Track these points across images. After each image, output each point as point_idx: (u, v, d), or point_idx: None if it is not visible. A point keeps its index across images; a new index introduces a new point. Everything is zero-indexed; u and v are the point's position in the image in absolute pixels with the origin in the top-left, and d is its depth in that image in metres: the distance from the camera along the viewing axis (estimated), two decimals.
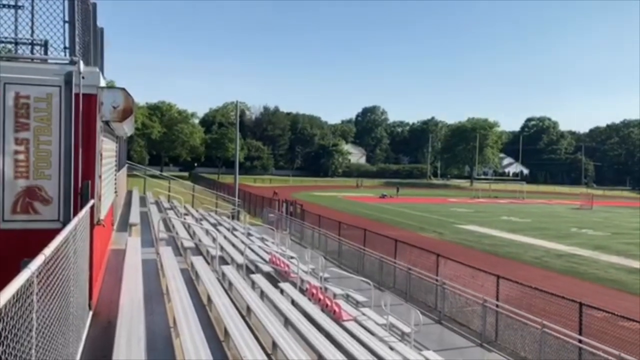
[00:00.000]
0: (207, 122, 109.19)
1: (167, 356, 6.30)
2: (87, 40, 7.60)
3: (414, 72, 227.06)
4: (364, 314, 12.41)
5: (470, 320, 14.71)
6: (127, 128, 10.99)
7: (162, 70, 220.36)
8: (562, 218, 51.51)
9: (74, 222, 4.60)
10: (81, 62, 6.44)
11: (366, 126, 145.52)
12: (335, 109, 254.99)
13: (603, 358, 10.33)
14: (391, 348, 9.73)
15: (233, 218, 31.32)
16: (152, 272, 10.35)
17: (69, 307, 4.35)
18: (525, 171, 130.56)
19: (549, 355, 11.77)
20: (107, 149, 9.40)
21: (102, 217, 7.98)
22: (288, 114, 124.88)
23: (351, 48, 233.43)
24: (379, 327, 11.37)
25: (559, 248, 31.21)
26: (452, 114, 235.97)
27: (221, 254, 15.31)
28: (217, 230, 19.67)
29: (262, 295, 11.30)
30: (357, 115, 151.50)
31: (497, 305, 13.68)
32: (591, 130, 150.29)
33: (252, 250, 17.90)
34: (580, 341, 11.19)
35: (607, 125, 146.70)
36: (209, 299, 9.06)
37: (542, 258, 27.76)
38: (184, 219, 20.29)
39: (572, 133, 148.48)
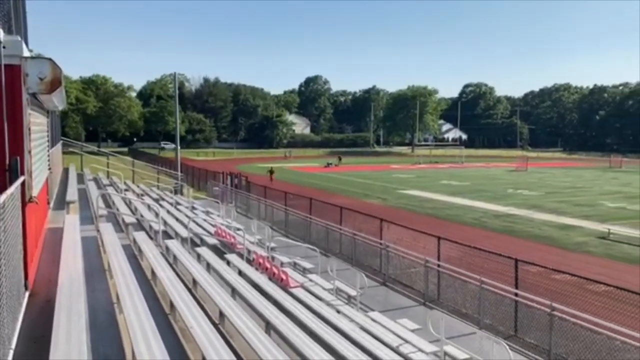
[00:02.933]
0: (145, 95, 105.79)
1: (111, 332, 6.20)
2: (7, 7, 7.13)
3: (354, 41, 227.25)
4: (311, 280, 12.58)
5: (414, 281, 15.20)
6: (57, 101, 10.47)
7: (96, 43, 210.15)
8: (499, 180, 53.59)
9: (2, 199, 4.38)
10: (0, 30, 6.05)
11: (309, 96, 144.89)
12: (278, 79, 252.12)
13: (536, 308, 10.94)
14: (338, 311, 9.94)
15: (176, 193, 30.77)
16: (93, 249, 10.07)
17: (1, 287, 4.18)
18: (464, 136, 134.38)
19: (488, 310, 12.36)
20: (37, 124, 8.95)
21: (34, 194, 7.64)
22: (229, 85, 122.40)
23: (291, 16, 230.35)
24: (326, 292, 11.57)
25: (497, 209, 32.54)
26: (393, 83, 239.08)
27: (164, 228, 15.07)
28: (160, 205, 19.30)
29: (209, 267, 11.23)
30: (300, 86, 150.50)
31: (438, 266, 14.18)
32: (525, 95, 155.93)
33: (197, 224, 17.69)
34: (516, 294, 11.79)
35: (540, 90, 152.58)
36: (153, 274, 8.94)
37: (480, 219, 28.88)
38: (124, 194, 19.75)
39: (507, 98, 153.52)
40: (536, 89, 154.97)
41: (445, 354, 8.82)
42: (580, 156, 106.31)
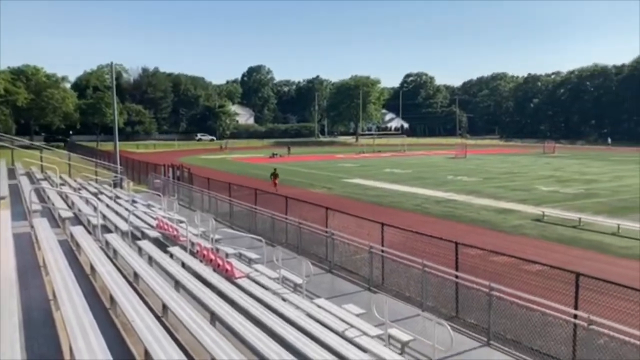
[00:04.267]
0: (81, 86, 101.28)
1: (47, 330, 5.98)
2: None
3: (297, 31, 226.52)
4: (256, 270, 12.54)
5: (359, 267, 15.41)
6: None
7: (26, 30, 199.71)
8: (440, 167, 55.00)
9: None
10: None
11: (252, 86, 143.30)
12: (219, 69, 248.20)
13: (476, 289, 11.33)
14: (284, 299, 9.97)
15: (116, 186, 29.83)
16: (26, 246, 9.65)
17: None
18: (406, 125, 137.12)
19: (431, 293, 12.69)
20: None
21: None
22: (169, 75, 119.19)
23: (232, 5, 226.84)
24: (272, 281, 11.57)
25: (438, 195, 33.41)
26: (336, 73, 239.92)
27: (104, 222, 14.60)
28: (99, 199, 18.69)
29: (151, 260, 11.00)
30: (243, 75, 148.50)
31: (382, 251, 14.42)
32: (464, 84, 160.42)
33: (138, 217, 17.25)
34: (457, 277, 12.15)
35: (478, 79, 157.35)
36: (92, 269, 8.67)
37: (422, 205, 29.58)
38: (60, 189, 18.99)
39: (447, 87, 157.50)
40: (474, 78, 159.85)
41: (390, 336, 9.01)
42: (516, 143, 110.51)
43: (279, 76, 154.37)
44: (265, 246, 14.49)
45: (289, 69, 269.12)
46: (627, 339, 8.35)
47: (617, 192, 34.25)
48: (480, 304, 11.27)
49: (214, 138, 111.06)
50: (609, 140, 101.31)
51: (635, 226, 22.16)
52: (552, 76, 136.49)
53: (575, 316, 9.40)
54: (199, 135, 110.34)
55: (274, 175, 36.37)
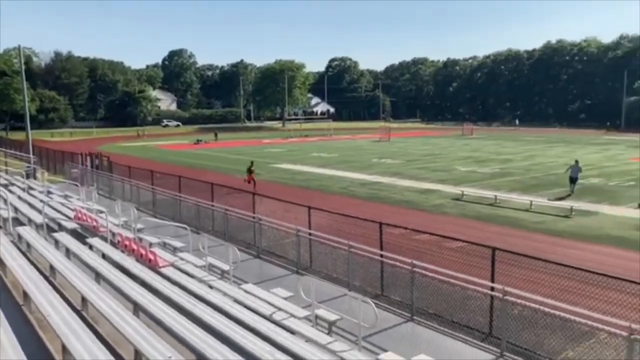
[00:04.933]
0: None
1: None
2: None
3: (219, 12, 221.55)
4: (182, 259, 12.30)
5: (287, 251, 15.48)
6: None
7: None
8: (365, 151, 56.05)
9: None
10: None
11: (174, 70, 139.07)
12: (139, 53, 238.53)
13: (400, 267, 11.70)
14: (210, 287, 9.85)
15: (28, 177, 28.18)
16: None
17: None
18: (332, 109, 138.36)
19: (357, 273, 12.97)
20: None
21: None
22: (85, 59, 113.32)
23: None
24: (198, 269, 11.39)
25: (363, 178, 34.07)
26: (261, 57, 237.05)
27: (15, 215, 13.78)
28: (9, 190, 17.61)
29: (68, 253, 10.51)
30: (164, 60, 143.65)
31: (309, 234, 14.55)
32: (386, 68, 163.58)
33: (53, 208, 16.41)
34: (381, 256, 12.49)
35: (400, 63, 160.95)
36: (2, 264, 8.17)
37: (348, 188, 30.08)
38: None
39: (370, 72, 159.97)
40: (396, 62, 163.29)
41: (317, 317, 9.15)
42: (437, 126, 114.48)
43: (202, 60, 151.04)
44: (190, 234, 14.22)
45: (212, 53, 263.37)
46: (538, 307, 8.92)
47: (529, 171, 36.39)
48: (404, 281, 11.64)
49: (179, 124, 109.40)
50: (517, 121, 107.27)
51: (546, 202, 23.67)
52: (470, 60, 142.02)
53: (492, 288, 9.93)
54: (165, 122, 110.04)
55: (250, 170, 30.48)
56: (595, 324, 8.13)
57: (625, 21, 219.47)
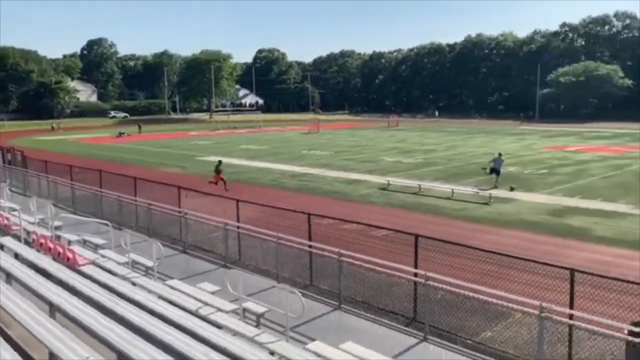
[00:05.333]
0: None
1: None
2: None
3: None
4: (103, 256, 11.84)
5: (215, 245, 15.26)
6: None
7: None
8: (294, 142, 56.15)
9: None
10: None
11: (94, 60, 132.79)
12: (54, 41, 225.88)
13: (328, 257, 11.83)
14: (134, 284, 9.55)
15: None
16: None
17: None
18: (260, 101, 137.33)
19: (286, 264, 12.99)
20: None
21: None
22: None
23: None
24: (121, 267, 11.00)
25: (293, 169, 34.13)
26: (186, 47, 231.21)
27: None
28: None
29: None
30: (83, 49, 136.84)
31: (238, 227, 14.42)
32: (315, 60, 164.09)
33: None
34: (310, 246, 12.58)
35: (327, 55, 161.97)
36: None
37: (278, 180, 30.04)
38: None
39: (299, 63, 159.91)
40: (324, 54, 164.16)
41: (245, 310, 9.09)
42: (364, 117, 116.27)
43: (123, 50, 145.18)
44: (112, 230, 13.68)
45: (135, 42, 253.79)
46: (459, 291, 9.31)
47: (451, 160, 37.82)
48: (332, 270, 11.78)
49: (127, 115, 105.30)
50: (437, 113, 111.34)
51: (467, 190, 24.69)
52: (395, 53, 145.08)
53: (415, 274, 10.25)
54: (112, 113, 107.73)
55: (218, 170, 27.06)
56: (511, 305, 8.59)
57: (538, 16, 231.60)
